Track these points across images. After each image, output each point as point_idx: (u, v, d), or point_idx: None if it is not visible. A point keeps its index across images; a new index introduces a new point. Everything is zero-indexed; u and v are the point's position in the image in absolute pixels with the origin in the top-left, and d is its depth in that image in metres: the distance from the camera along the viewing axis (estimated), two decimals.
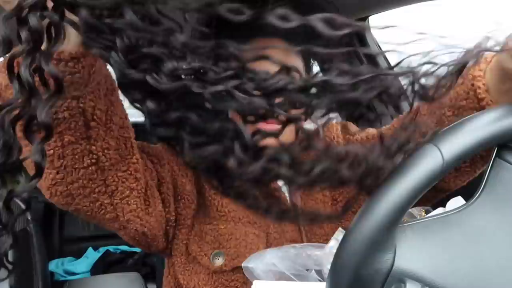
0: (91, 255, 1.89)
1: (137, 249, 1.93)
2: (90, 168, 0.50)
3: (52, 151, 0.47)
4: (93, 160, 0.50)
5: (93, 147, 0.49)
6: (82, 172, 0.50)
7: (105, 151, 0.50)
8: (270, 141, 0.34)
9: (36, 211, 1.68)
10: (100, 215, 0.54)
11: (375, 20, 1.23)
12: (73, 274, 1.78)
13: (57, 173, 0.49)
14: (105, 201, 0.53)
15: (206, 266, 0.65)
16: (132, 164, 0.54)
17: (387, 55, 1.28)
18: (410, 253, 0.34)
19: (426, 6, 1.01)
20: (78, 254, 1.90)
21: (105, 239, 1.92)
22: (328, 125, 0.75)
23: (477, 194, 0.35)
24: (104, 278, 1.24)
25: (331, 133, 0.76)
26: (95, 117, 0.48)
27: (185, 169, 0.68)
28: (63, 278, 1.76)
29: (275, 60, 0.34)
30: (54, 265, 1.81)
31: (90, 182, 0.51)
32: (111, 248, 1.93)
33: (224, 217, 0.67)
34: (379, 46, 1.29)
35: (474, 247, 0.33)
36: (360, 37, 1.25)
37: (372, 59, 1.26)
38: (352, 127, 0.79)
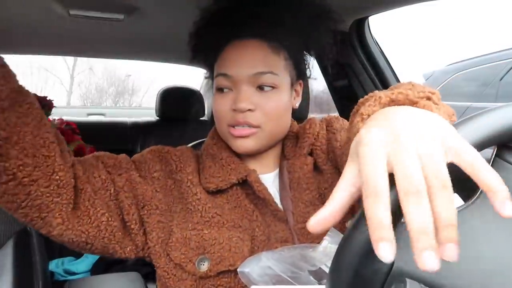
0: (91, 255, 1.89)
1: None
2: (9, 183, 0.53)
3: None
4: (10, 177, 0.52)
5: (7, 164, 0.52)
6: (4, 188, 0.53)
7: (21, 167, 0.53)
8: None
9: None
10: (39, 229, 0.58)
11: (375, 20, 1.23)
12: (73, 274, 1.78)
13: None
14: (34, 215, 0.56)
15: (192, 273, 0.65)
16: (54, 180, 0.56)
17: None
18: (410, 253, 0.34)
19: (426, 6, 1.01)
20: (78, 254, 1.90)
21: None
22: (311, 122, 0.76)
23: (477, 194, 0.35)
24: (104, 278, 1.24)
25: (313, 130, 0.75)
26: None
27: (151, 177, 0.69)
28: (63, 278, 1.75)
29: None
30: (54, 265, 1.81)
31: (15, 197, 0.54)
32: None
33: (208, 222, 0.67)
34: (379, 46, 1.28)
35: (474, 247, 0.33)
36: (360, 37, 1.25)
37: (371, 59, 1.26)
38: (337, 123, 0.77)
